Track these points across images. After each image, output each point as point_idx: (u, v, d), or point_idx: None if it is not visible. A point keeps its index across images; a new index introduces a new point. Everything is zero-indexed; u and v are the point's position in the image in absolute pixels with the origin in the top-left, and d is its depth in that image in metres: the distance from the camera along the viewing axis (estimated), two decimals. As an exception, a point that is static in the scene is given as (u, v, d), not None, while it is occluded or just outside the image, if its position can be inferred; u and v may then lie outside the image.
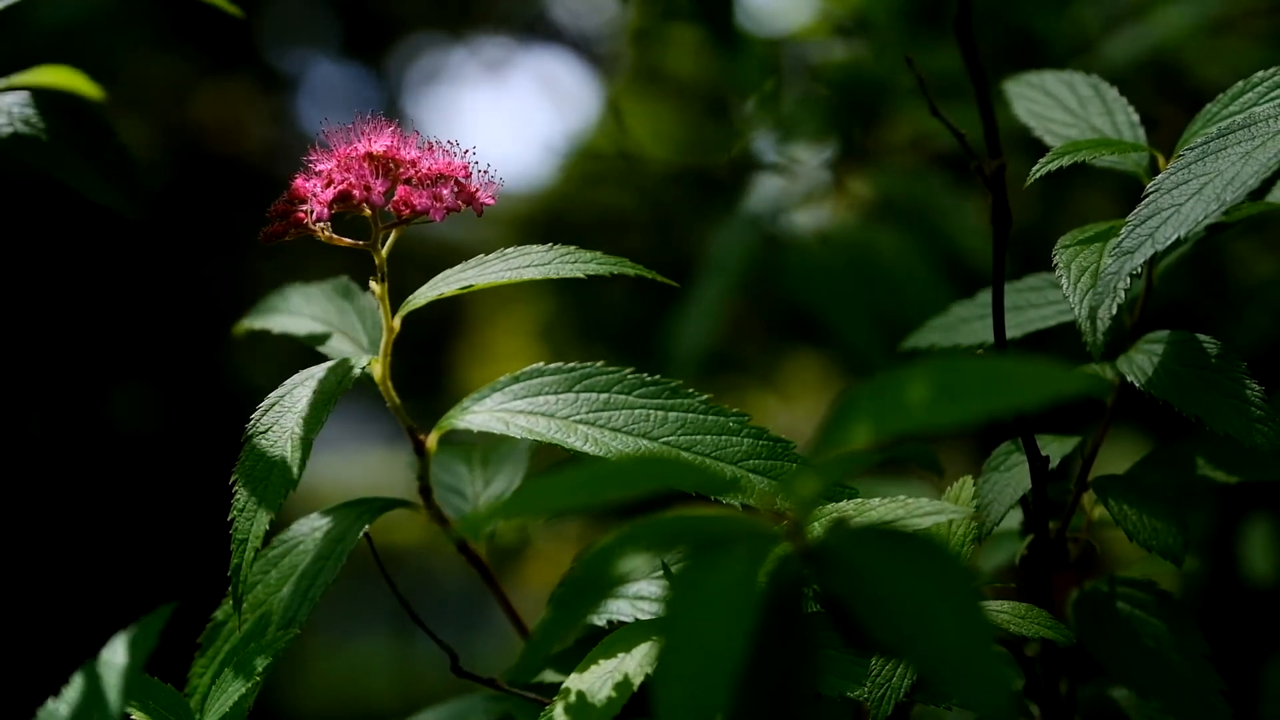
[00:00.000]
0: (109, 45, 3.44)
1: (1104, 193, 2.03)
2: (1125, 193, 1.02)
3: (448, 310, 4.09)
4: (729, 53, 2.21)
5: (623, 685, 0.93)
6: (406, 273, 1.09)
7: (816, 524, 0.91)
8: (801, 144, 2.37)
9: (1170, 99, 1.99)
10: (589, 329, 3.07)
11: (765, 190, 2.31)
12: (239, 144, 3.75)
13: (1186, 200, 0.95)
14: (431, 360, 4.05)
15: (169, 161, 3.62)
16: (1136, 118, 1.14)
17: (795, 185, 2.35)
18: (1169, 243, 0.94)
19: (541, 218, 3.36)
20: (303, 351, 1.09)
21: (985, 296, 1.16)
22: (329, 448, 4.20)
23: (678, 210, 2.79)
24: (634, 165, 2.85)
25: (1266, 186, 1.06)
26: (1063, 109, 1.16)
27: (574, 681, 0.95)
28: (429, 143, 1.06)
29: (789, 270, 2.10)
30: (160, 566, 3.31)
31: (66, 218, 3.39)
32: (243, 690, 0.97)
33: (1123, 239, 0.96)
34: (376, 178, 1.03)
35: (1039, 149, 1.11)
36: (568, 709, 0.93)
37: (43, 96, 1.09)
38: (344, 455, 4.20)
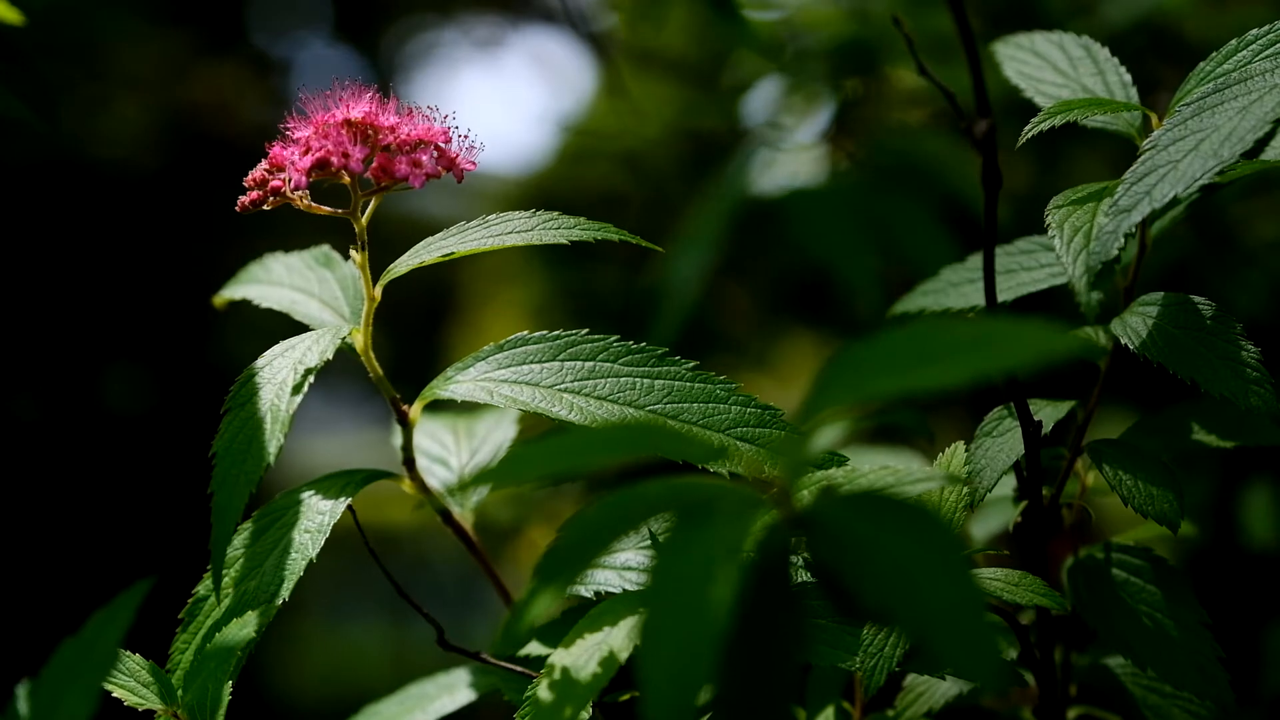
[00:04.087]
0: (102, 25, 3.43)
1: (1100, 163, 2.01)
2: (1124, 160, 1.00)
3: (439, 296, 4.08)
4: (726, 21, 2.19)
5: (608, 661, 0.91)
6: (392, 255, 1.07)
7: (805, 491, 0.90)
8: (794, 109, 2.36)
9: (1170, 66, 1.97)
10: (581, 314, 3.06)
11: (754, 155, 2.28)
12: (231, 126, 3.73)
13: (1183, 157, 0.93)
14: (423, 346, 4.04)
15: (162, 143, 3.61)
16: (1129, 78, 1.12)
17: (786, 151, 2.33)
18: (1166, 200, 0.92)
19: (533, 198, 3.34)
20: (294, 329, 1.07)
21: (975, 260, 1.15)
22: (322, 429, 4.19)
23: (670, 186, 2.78)
24: (630, 137, 2.84)
25: (1260, 145, 1.04)
26: (1054, 70, 1.14)
27: (559, 657, 0.93)
28: (408, 108, 1.04)
29: (788, 213, 2.06)
30: (152, 544, 3.31)
31: (59, 201, 3.38)
32: (225, 665, 0.95)
33: (1119, 197, 0.94)
34: (355, 144, 1.02)
35: (1031, 115, 1.09)
36: (553, 685, 0.92)
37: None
38: (337, 437, 4.19)
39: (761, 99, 2.49)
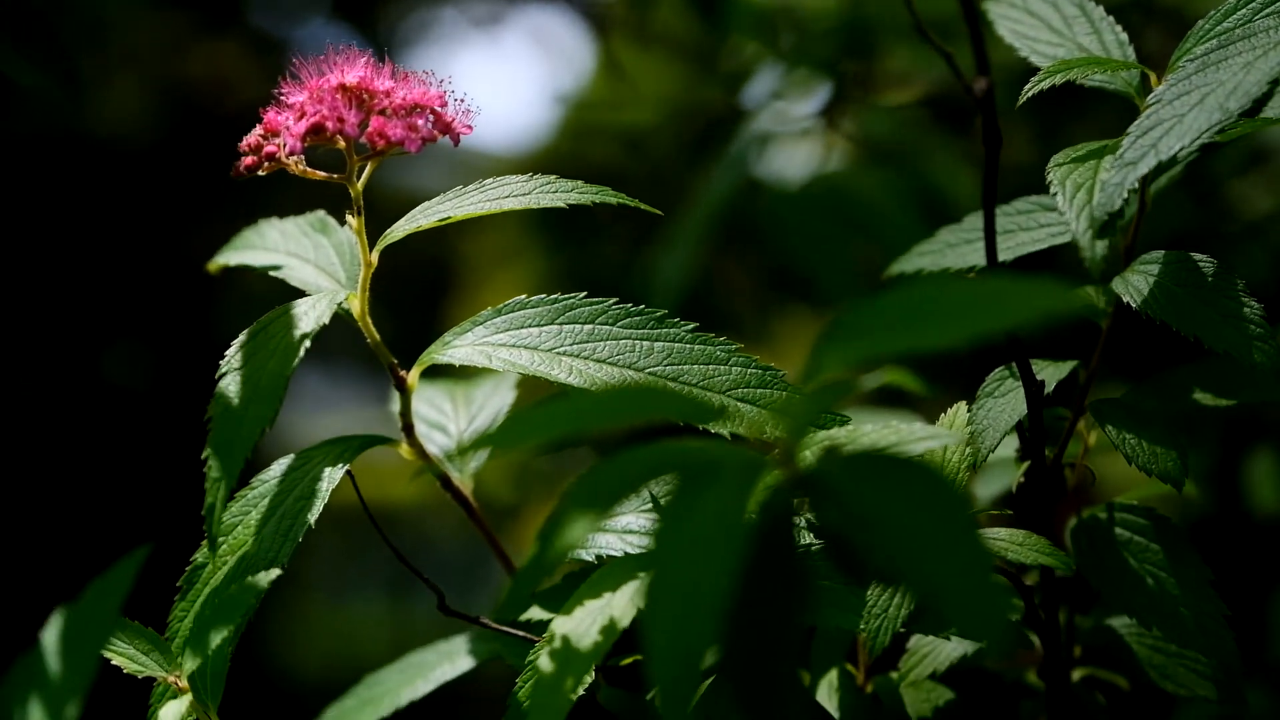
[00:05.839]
0: (103, 1, 3.42)
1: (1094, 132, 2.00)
2: (1119, 127, 1.00)
3: (440, 275, 4.07)
4: (713, 26, 2.19)
5: (609, 629, 0.90)
6: (389, 226, 1.06)
7: (808, 451, 0.89)
8: (792, 91, 2.35)
9: (1167, 35, 1.96)
10: (584, 290, 3.05)
11: (753, 136, 2.28)
12: (230, 103, 3.72)
13: (1189, 110, 0.93)
14: (423, 323, 4.03)
15: (161, 119, 3.60)
16: (1125, 36, 1.11)
17: (785, 131, 2.33)
18: (1173, 153, 0.91)
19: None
20: (293, 298, 1.07)
21: (973, 220, 1.14)
22: (323, 407, 4.19)
23: (670, 164, 2.77)
24: (628, 115, 2.83)
25: (1258, 105, 1.03)
26: (1048, 28, 1.13)
27: (559, 625, 0.92)
28: (404, 73, 1.04)
29: (770, 216, 2.08)
30: (157, 518, 3.30)
31: (56, 175, 3.37)
32: (224, 633, 0.95)
33: (1124, 151, 0.94)
34: (350, 109, 1.01)
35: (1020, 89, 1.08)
36: (553, 654, 0.91)
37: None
38: (337, 414, 4.19)
39: (760, 79, 2.49)
